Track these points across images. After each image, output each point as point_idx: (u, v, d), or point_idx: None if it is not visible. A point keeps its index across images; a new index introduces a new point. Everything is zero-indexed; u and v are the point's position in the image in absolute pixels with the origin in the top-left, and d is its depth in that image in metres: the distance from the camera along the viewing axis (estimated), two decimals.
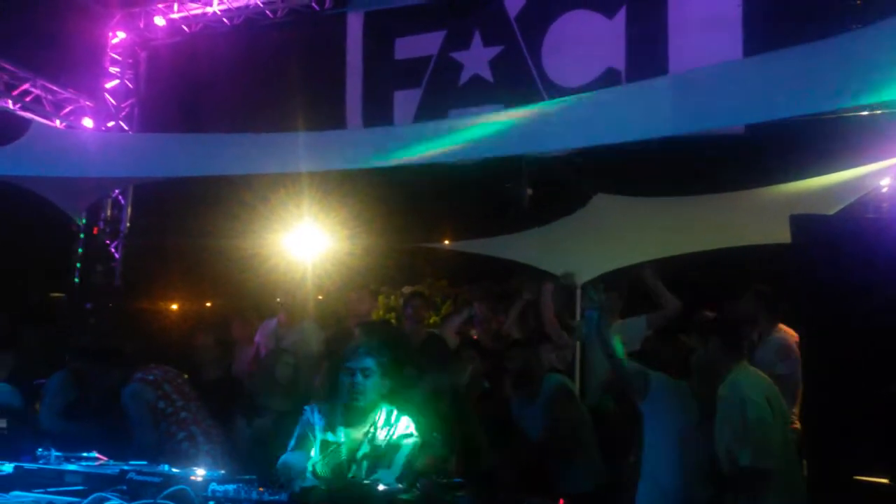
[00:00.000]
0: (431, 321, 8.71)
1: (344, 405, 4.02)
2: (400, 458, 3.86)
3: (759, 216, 7.08)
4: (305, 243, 8.79)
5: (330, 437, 3.99)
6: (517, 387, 5.57)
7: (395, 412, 4.05)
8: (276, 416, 5.58)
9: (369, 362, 3.98)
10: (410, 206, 10.22)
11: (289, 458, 3.76)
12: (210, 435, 5.46)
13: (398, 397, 4.20)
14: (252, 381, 6.35)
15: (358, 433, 3.98)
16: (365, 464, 3.88)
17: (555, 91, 6.93)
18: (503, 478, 4.60)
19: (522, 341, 6.33)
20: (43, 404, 5.91)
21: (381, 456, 3.88)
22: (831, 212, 6.34)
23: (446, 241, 10.60)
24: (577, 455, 5.29)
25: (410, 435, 3.97)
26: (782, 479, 4.31)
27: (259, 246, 9.14)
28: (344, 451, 3.94)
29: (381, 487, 3.35)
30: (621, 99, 5.51)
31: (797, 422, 5.21)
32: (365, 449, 3.93)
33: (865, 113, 5.96)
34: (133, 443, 5.39)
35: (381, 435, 3.95)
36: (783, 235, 4.20)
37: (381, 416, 4.01)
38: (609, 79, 6.73)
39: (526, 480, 4.73)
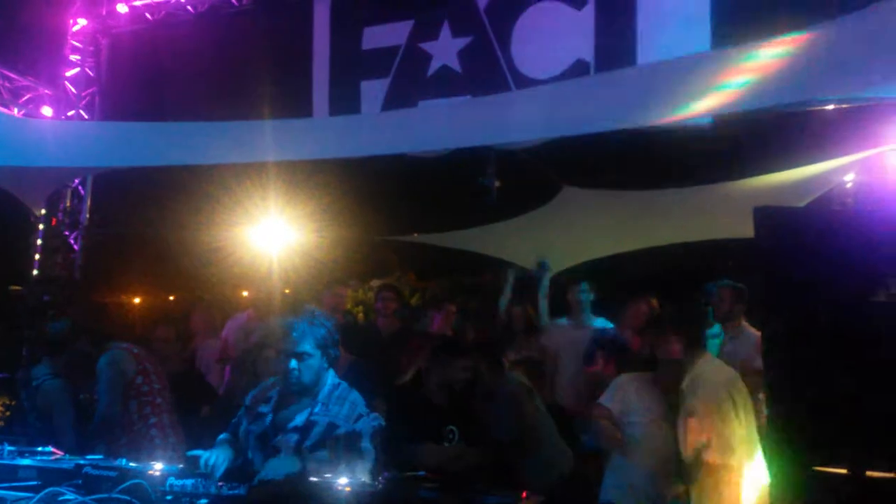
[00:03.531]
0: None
1: (284, 387, 3.87)
2: (367, 445, 3.71)
3: (726, 210, 7.12)
4: (271, 236, 8.69)
5: (262, 408, 3.88)
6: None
7: (340, 386, 3.87)
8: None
9: (306, 346, 3.77)
10: (378, 199, 10.15)
11: (208, 456, 3.60)
12: (175, 427, 5.36)
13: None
14: (232, 380, 6.22)
15: (294, 404, 3.81)
16: (294, 437, 3.71)
17: (523, 82, 6.92)
18: (468, 472, 4.55)
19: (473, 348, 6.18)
20: (59, 416, 5.52)
21: (336, 438, 3.69)
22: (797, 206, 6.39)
23: (414, 234, 10.55)
24: (539, 450, 5.26)
25: (360, 415, 3.78)
26: (745, 472, 4.32)
27: (223, 238, 9.02)
28: (268, 420, 3.81)
29: (341, 482, 3.29)
30: (589, 90, 5.49)
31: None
32: (297, 422, 3.75)
33: (832, 107, 5.98)
34: (95, 415, 5.23)
35: (323, 410, 3.77)
36: (749, 230, 4.20)
37: (323, 389, 3.82)
38: (578, 70, 6.73)
39: (490, 475, 4.68)
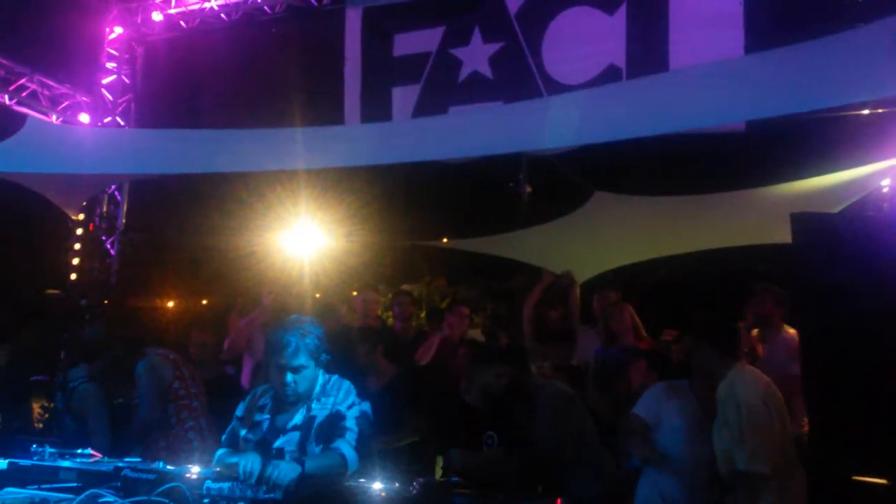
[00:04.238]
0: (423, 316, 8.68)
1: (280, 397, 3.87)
2: (353, 427, 3.74)
3: (760, 215, 7.06)
4: (302, 241, 8.76)
5: (258, 416, 3.89)
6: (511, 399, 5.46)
7: (332, 380, 3.89)
8: None
9: (300, 359, 3.76)
10: (408, 204, 10.17)
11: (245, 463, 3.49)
12: (211, 431, 5.42)
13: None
14: (254, 381, 6.30)
15: (289, 407, 3.83)
16: (297, 435, 3.75)
17: (555, 88, 6.91)
18: (505, 478, 4.54)
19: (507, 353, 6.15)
20: (93, 419, 5.62)
21: (325, 426, 3.74)
22: (833, 211, 6.32)
23: (444, 240, 10.57)
24: (583, 458, 5.20)
25: (353, 403, 3.82)
26: (781, 481, 4.27)
27: (256, 243, 9.10)
28: (266, 426, 3.83)
29: (376, 487, 3.31)
30: (621, 96, 5.48)
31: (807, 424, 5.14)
32: (297, 420, 3.79)
33: (867, 112, 5.93)
34: (135, 419, 5.32)
35: (319, 406, 3.81)
36: (784, 235, 4.17)
37: (316, 389, 3.84)
38: (609, 76, 6.70)
39: (528, 481, 4.67)
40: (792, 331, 5.81)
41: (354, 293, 7.77)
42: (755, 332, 6.03)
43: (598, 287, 7.57)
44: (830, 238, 4.05)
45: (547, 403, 5.18)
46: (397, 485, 3.44)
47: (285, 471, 3.39)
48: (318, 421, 3.78)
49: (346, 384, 3.90)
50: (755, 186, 7.11)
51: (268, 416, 3.87)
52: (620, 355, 5.95)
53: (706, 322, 4.77)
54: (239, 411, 4.01)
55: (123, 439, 5.42)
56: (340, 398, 3.83)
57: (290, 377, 3.77)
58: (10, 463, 3.73)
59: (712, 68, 5.39)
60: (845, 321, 3.86)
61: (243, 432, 3.89)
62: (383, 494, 3.25)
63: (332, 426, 3.75)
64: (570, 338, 7.07)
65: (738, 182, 7.21)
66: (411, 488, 3.37)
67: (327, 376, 3.91)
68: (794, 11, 6.17)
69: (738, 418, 4.26)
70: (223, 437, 4.02)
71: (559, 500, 3.41)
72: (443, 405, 5.36)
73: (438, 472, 4.92)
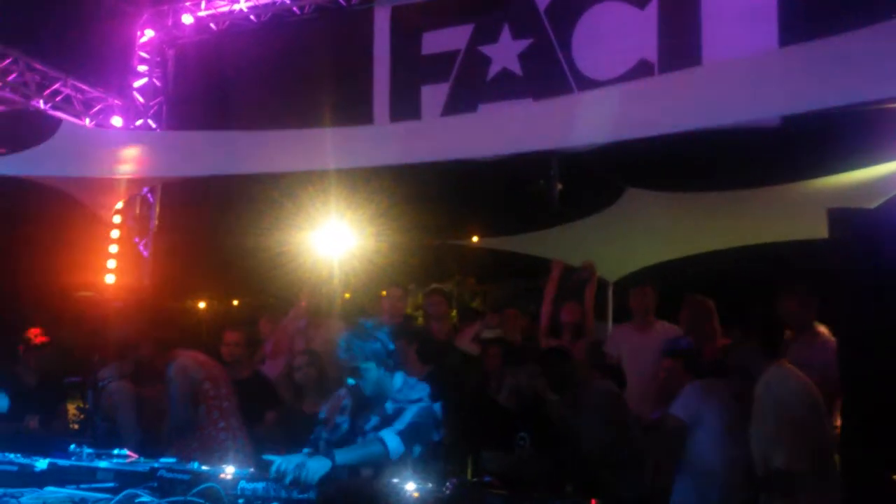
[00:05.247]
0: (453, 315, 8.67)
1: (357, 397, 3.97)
2: (406, 417, 3.80)
3: (796, 211, 6.97)
4: (332, 241, 8.80)
5: (338, 418, 3.99)
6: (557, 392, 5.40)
7: (410, 381, 4.00)
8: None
9: (360, 362, 3.86)
10: (438, 203, 10.17)
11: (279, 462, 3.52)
12: (242, 431, 5.46)
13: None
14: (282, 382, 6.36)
15: (369, 409, 3.94)
16: (374, 419, 3.85)
17: (585, 84, 6.83)
18: (538, 479, 4.52)
19: (540, 353, 6.11)
20: (122, 417, 5.75)
21: (391, 418, 3.83)
22: (870, 206, 6.20)
23: (474, 238, 10.56)
24: (630, 459, 5.15)
25: (420, 398, 3.89)
26: (818, 479, 4.22)
27: (286, 243, 9.15)
28: (345, 427, 3.93)
29: (409, 487, 3.31)
30: (653, 91, 5.43)
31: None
32: (374, 422, 3.87)
33: None
34: (167, 421, 5.38)
35: (395, 404, 3.89)
36: (821, 231, 4.11)
37: (393, 389, 3.94)
38: (641, 70, 6.61)
39: (561, 485, 4.64)
40: (825, 330, 5.70)
41: (384, 293, 7.74)
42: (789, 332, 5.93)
43: (633, 283, 7.48)
44: (868, 233, 3.99)
45: (594, 403, 5.15)
46: (430, 485, 3.44)
47: (313, 469, 3.41)
48: (388, 414, 3.86)
49: (423, 385, 3.99)
50: (791, 182, 7.02)
51: (347, 417, 3.96)
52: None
53: (757, 318, 4.73)
54: (322, 413, 4.11)
55: (154, 440, 5.48)
56: (413, 394, 3.92)
57: (352, 380, 3.86)
58: (49, 463, 3.79)
59: (746, 62, 5.32)
60: (883, 317, 3.80)
61: (324, 434, 3.98)
62: (416, 495, 3.24)
63: (394, 416, 3.83)
64: (581, 332, 6.98)
65: (774, 177, 7.12)
66: (444, 488, 3.36)
67: (408, 379, 4.01)
68: (828, 3, 6.06)
69: (776, 416, 4.23)
70: (311, 436, 4.08)
71: (593, 501, 3.38)
72: (474, 405, 5.34)
73: (470, 473, 4.91)
